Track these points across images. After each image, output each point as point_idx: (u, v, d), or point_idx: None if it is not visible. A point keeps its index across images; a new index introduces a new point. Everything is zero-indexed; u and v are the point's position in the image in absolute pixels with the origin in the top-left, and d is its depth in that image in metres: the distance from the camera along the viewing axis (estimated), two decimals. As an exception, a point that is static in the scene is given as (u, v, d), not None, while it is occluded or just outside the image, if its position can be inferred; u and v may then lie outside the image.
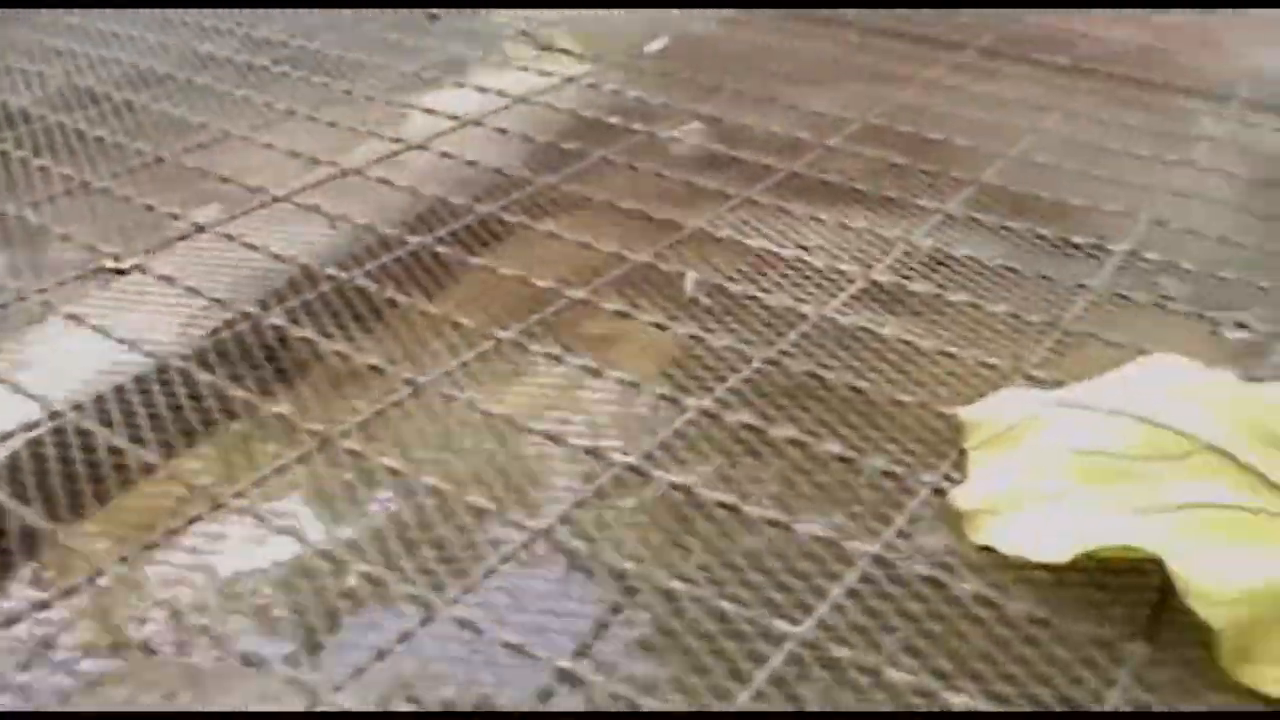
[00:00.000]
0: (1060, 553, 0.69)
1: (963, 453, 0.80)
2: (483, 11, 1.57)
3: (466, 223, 1.08)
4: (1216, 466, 0.73)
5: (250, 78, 1.39)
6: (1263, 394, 0.81)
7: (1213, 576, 0.65)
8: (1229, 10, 1.62)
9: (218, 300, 0.96)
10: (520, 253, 1.04)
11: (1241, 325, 0.96)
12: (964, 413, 0.82)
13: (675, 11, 1.57)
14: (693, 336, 0.93)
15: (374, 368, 0.90)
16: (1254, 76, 1.43)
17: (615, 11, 1.57)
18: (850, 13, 1.58)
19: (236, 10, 1.57)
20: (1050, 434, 0.77)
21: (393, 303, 0.97)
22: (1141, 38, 1.54)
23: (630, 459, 0.80)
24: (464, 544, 0.75)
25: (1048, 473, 0.74)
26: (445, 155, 1.20)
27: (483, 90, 1.34)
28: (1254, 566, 0.66)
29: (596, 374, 0.89)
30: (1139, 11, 1.61)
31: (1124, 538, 0.68)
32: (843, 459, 0.81)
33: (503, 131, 1.25)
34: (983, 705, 0.64)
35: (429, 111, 1.29)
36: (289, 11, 1.57)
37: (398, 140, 1.22)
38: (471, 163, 1.19)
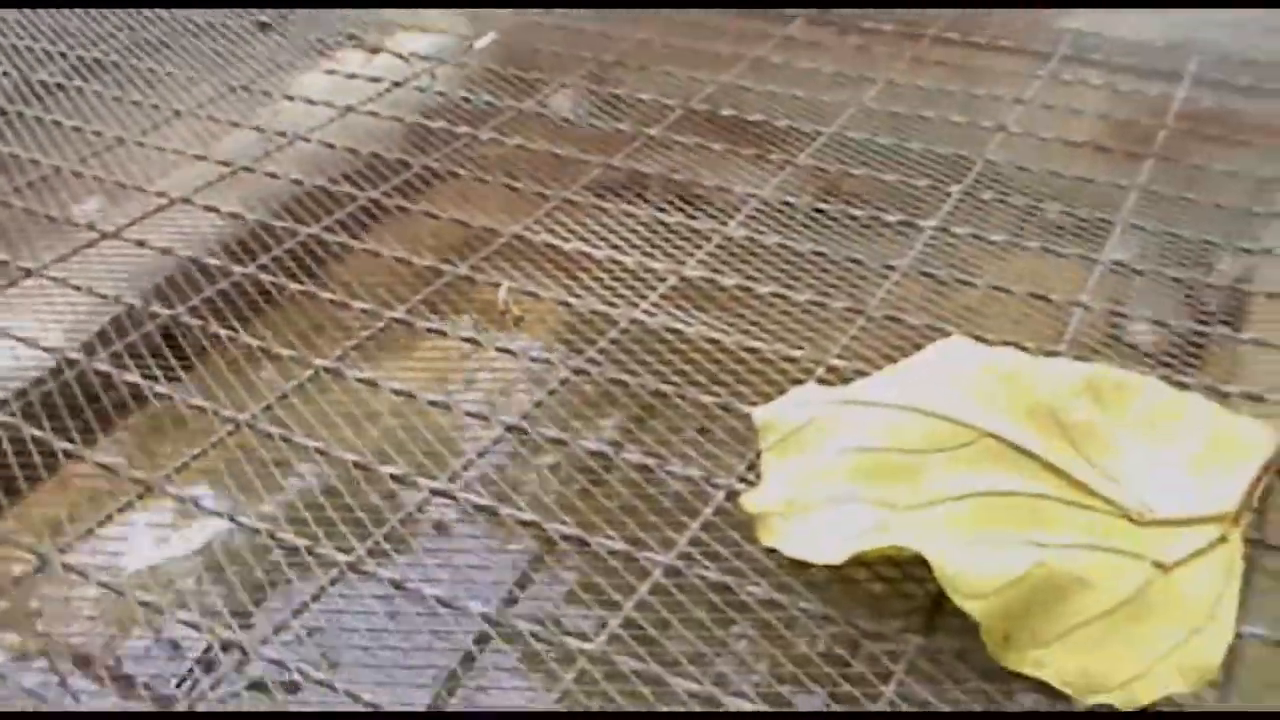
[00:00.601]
0: (836, 555, 0.72)
1: (759, 454, 0.82)
2: (314, 16, 1.56)
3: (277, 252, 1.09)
4: (995, 454, 0.76)
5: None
6: (1046, 371, 0.83)
7: (973, 569, 0.68)
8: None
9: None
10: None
11: (1041, 297, 0.98)
12: (758, 413, 0.84)
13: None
14: (501, 349, 0.94)
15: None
16: (1076, 32, 1.45)
17: (447, 10, 1.57)
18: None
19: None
20: (836, 434, 0.79)
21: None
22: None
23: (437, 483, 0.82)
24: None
25: (831, 474, 0.77)
26: (272, 176, 1.20)
27: (311, 103, 1.34)
28: (1017, 554, 0.69)
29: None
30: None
31: (892, 538, 0.71)
32: (643, 467, 0.83)
33: (329, 146, 1.25)
34: (761, 707, 0.66)
35: (259, 129, 1.28)
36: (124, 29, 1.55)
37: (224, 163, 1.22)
38: (294, 180, 1.19)
